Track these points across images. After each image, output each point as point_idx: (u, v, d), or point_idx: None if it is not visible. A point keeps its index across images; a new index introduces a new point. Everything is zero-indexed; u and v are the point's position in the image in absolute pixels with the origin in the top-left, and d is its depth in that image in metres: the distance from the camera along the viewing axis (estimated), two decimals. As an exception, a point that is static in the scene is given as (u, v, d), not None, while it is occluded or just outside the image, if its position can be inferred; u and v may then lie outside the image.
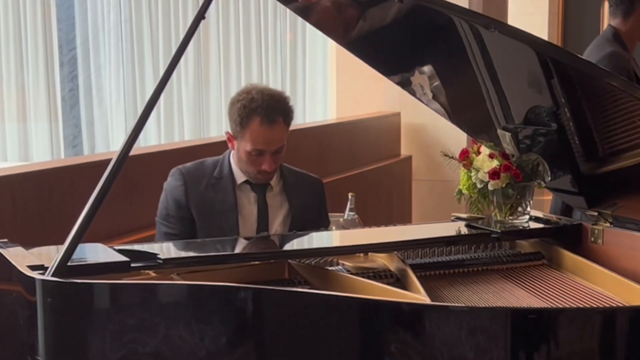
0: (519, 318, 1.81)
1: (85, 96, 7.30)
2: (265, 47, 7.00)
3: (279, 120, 2.48)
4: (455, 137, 5.10)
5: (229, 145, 2.59)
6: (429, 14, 2.31)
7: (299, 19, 7.01)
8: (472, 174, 2.52)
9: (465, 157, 2.55)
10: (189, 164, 2.62)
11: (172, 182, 2.59)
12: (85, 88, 7.31)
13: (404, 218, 4.97)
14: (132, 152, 1.96)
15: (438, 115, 5.17)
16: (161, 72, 6.40)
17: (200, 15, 2.08)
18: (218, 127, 7.07)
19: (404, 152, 5.18)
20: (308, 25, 6.78)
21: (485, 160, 2.50)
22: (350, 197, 3.06)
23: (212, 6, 7.59)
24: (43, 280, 1.82)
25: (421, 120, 5.15)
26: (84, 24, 7.28)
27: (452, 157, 2.55)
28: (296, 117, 2.83)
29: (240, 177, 2.61)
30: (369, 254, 2.38)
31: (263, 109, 2.45)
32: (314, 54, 6.73)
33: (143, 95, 7.21)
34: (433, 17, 2.35)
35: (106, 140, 7.32)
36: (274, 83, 6.90)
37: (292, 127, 2.60)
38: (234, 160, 2.61)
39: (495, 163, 2.47)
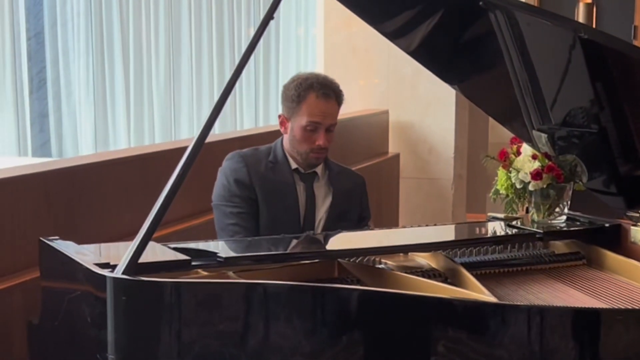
0: (608, 318, 1.84)
1: (53, 87, 7.13)
2: (238, 46, 6.90)
3: (332, 96, 2.65)
4: (443, 135, 5.14)
5: (282, 129, 2.71)
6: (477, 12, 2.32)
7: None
8: (512, 174, 2.54)
9: (505, 158, 2.56)
10: (244, 150, 2.73)
11: (232, 165, 2.67)
12: (53, 79, 7.12)
13: (392, 215, 4.98)
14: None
15: (426, 113, 5.18)
16: (132, 63, 6.12)
17: (270, 16, 2.10)
18: (189, 129, 6.96)
19: (392, 149, 5.19)
20: (275, 23, 6.67)
21: (526, 161, 2.52)
22: None
23: (185, 4, 7.31)
24: (119, 279, 1.77)
25: (409, 118, 5.17)
26: (52, 11, 7.10)
27: (493, 158, 2.56)
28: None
29: (292, 164, 2.71)
30: (409, 253, 2.40)
31: (319, 83, 2.64)
32: (300, 53, 6.67)
33: (112, 86, 7.05)
34: (476, 16, 2.36)
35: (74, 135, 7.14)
36: (247, 83, 6.82)
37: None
38: (286, 148, 2.71)
39: (536, 164, 2.49)
